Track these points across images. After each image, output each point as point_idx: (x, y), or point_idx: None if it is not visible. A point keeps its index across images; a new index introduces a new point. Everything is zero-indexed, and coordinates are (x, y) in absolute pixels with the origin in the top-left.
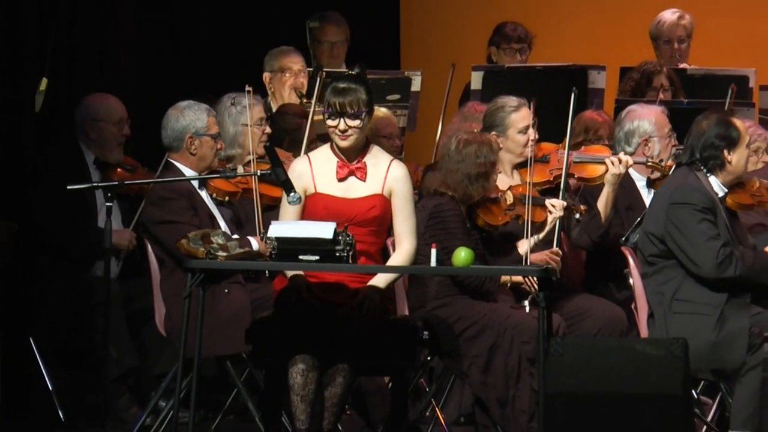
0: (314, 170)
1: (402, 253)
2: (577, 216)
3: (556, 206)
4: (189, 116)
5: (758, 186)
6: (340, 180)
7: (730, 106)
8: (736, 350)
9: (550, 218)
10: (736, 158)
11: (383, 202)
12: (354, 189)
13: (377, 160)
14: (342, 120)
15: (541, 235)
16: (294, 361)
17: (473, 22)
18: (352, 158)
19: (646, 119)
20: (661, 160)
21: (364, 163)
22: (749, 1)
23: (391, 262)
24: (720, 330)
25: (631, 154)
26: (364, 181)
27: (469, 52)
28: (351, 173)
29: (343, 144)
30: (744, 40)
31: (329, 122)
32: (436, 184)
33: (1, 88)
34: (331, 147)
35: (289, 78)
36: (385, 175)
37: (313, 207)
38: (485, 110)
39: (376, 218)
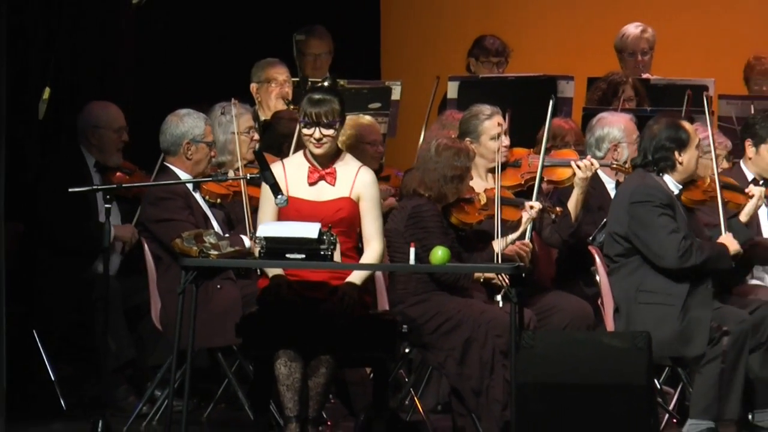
0: (288, 175)
1: (371, 252)
2: (553, 217)
3: (534, 207)
4: (188, 123)
5: (709, 183)
6: (311, 184)
7: (687, 113)
8: (697, 339)
9: (525, 217)
10: (686, 158)
11: (351, 205)
12: (323, 193)
13: (347, 166)
14: (317, 129)
15: (516, 234)
16: (278, 354)
17: (450, 34)
18: (323, 164)
19: (616, 126)
20: (625, 162)
21: (334, 168)
22: (709, 15)
23: (364, 260)
24: (683, 319)
25: (602, 159)
26: (333, 185)
27: (446, 63)
28: (321, 178)
29: (317, 151)
30: (704, 52)
31: (305, 131)
32: (415, 183)
33: (8, 97)
34: (304, 153)
35: (274, 88)
36: (354, 180)
37: (285, 209)
38: (461, 117)
39: (344, 219)
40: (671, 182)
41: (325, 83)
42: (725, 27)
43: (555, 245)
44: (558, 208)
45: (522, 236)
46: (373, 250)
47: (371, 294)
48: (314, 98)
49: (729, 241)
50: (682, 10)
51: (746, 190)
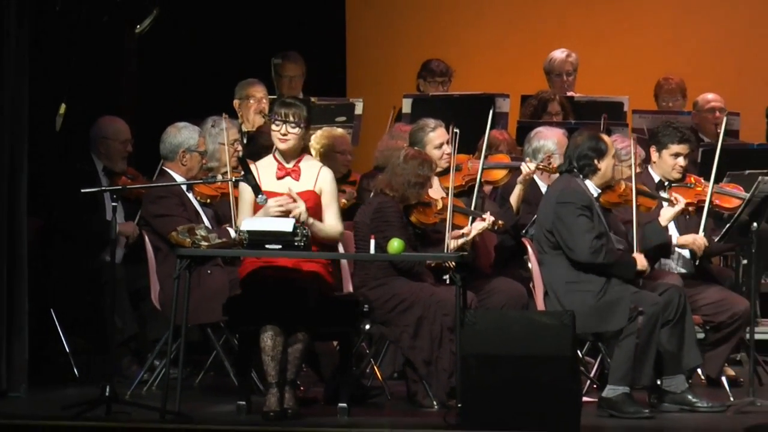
0: (260, 174)
1: (333, 228)
2: (495, 228)
3: (486, 218)
4: (185, 134)
5: (624, 188)
6: (279, 179)
7: (605, 127)
8: (617, 317)
9: (477, 227)
10: (604, 166)
11: (315, 196)
12: (290, 186)
13: (310, 165)
14: (285, 126)
15: (467, 239)
16: (265, 329)
17: (405, 58)
18: (289, 161)
19: (551, 140)
20: (549, 164)
21: (299, 166)
22: (624, 41)
23: (323, 226)
24: (601, 299)
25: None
26: (298, 180)
27: (401, 83)
28: (287, 174)
29: (282, 146)
30: (620, 73)
31: (274, 127)
32: (383, 184)
33: (30, 113)
34: (273, 154)
35: (253, 104)
36: (317, 176)
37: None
38: (410, 130)
39: (310, 209)
40: (592, 186)
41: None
42: (638, 51)
43: (508, 245)
44: (501, 222)
45: (474, 239)
46: (332, 226)
47: (338, 278)
48: (286, 101)
49: (640, 259)
50: (601, 37)
51: (674, 197)
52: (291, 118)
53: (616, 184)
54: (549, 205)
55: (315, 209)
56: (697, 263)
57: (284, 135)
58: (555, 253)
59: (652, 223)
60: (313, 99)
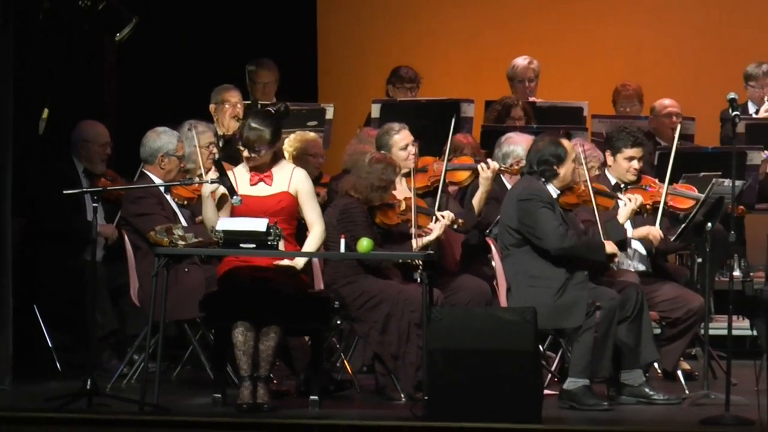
0: (237, 178)
1: (315, 234)
2: (456, 226)
3: (445, 216)
4: (164, 139)
5: (583, 189)
6: (253, 185)
7: (565, 130)
8: (575, 314)
9: (439, 225)
10: (564, 170)
11: (289, 197)
12: (263, 190)
13: (282, 168)
14: (251, 153)
15: (431, 237)
16: (236, 325)
17: (373, 65)
18: (261, 170)
19: (520, 145)
20: (511, 165)
21: (271, 172)
22: (583, 49)
23: (309, 240)
24: (560, 298)
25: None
26: (271, 185)
27: (370, 89)
28: (261, 180)
29: (249, 164)
30: (580, 80)
31: (240, 147)
32: (348, 186)
33: (15, 118)
34: None
35: (228, 108)
36: (290, 178)
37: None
38: (376, 134)
39: (284, 209)
40: (552, 189)
41: (280, 108)
42: (597, 59)
43: (473, 241)
44: (461, 221)
45: (435, 239)
46: (316, 231)
47: (309, 276)
48: (251, 125)
49: (609, 244)
50: (562, 44)
51: (628, 197)
52: (254, 146)
53: (575, 186)
54: (511, 204)
55: (290, 210)
56: (653, 252)
57: (248, 158)
58: (518, 250)
59: (612, 221)
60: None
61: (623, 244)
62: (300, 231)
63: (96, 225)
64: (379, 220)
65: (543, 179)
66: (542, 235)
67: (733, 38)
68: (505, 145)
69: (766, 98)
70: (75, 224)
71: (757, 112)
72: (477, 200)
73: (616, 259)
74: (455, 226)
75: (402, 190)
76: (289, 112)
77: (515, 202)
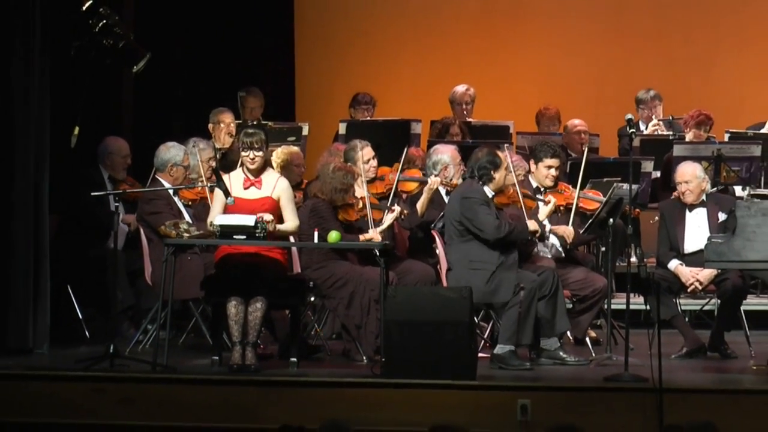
0: (231, 183)
1: (290, 225)
2: (402, 217)
3: (394, 210)
4: (173, 152)
5: (512, 192)
6: (245, 188)
7: (494, 145)
8: (503, 292)
9: (389, 217)
10: (498, 176)
11: (272, 201)
12: (253, 193)
13: (270, 177)
14: (251, 151)
15: (383, 226)
16: (230, 299)
17: (340, 89)
18: (254, 176)
19: (445, 154)
20: (451, 179)
21: (261, 179)
22: (512, 76)
23: (285, 225)
24: (495, 278)
25: (436, 176)
26: (260, 189)
27: (338, 109)
28: (252, 185)
29: (252, 167)
30: (507, 102)
31: (243, 153)
32: (315, 189)
33: (51, 134)
34: (242, 169)
35: (223, 127)
36: (275, 185)
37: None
38: (344, 149)
39: (268, 210)
40: (488, 190)
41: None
42: (520, 84)
43: (407, 228)
44: (405, 211)
45: (387, 228)
46: (291, 224)
47: (289, 261)
48: (249, 132)
49: (531, 223)
50: (494, 74)
51: (546, 198)
52: (255, 145)
53: (505, 189)
54: (455, 202)
55: (273, 211)
56: (568, 247)
57: (252, 159)
58: (460, 240)
59: (534, 218)
60: (270, 123)
61: (543, 231)
62: None
63: (118, 220)
64: (342, 217)
65: (481, 182)
66: (482, 226)
67: (628, 69)
68: (433, 155)
69: (654, 117)
70: (101, 218)
71: (646, 128)
72: (420, 204)
73: (537, 235)
74: (402, 218)
75: (361, 192)
76: (268, 131)
77: (459, 199)
